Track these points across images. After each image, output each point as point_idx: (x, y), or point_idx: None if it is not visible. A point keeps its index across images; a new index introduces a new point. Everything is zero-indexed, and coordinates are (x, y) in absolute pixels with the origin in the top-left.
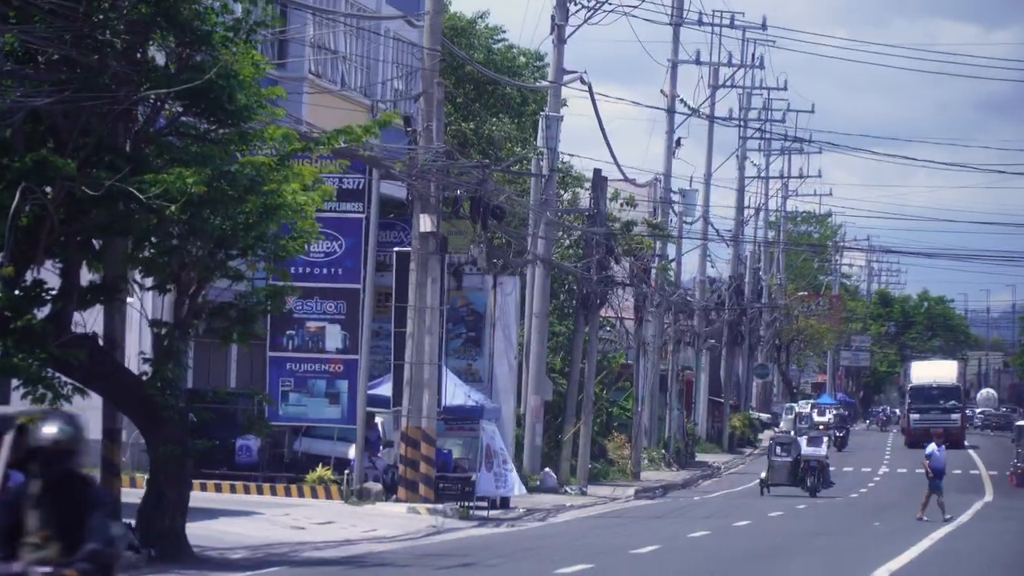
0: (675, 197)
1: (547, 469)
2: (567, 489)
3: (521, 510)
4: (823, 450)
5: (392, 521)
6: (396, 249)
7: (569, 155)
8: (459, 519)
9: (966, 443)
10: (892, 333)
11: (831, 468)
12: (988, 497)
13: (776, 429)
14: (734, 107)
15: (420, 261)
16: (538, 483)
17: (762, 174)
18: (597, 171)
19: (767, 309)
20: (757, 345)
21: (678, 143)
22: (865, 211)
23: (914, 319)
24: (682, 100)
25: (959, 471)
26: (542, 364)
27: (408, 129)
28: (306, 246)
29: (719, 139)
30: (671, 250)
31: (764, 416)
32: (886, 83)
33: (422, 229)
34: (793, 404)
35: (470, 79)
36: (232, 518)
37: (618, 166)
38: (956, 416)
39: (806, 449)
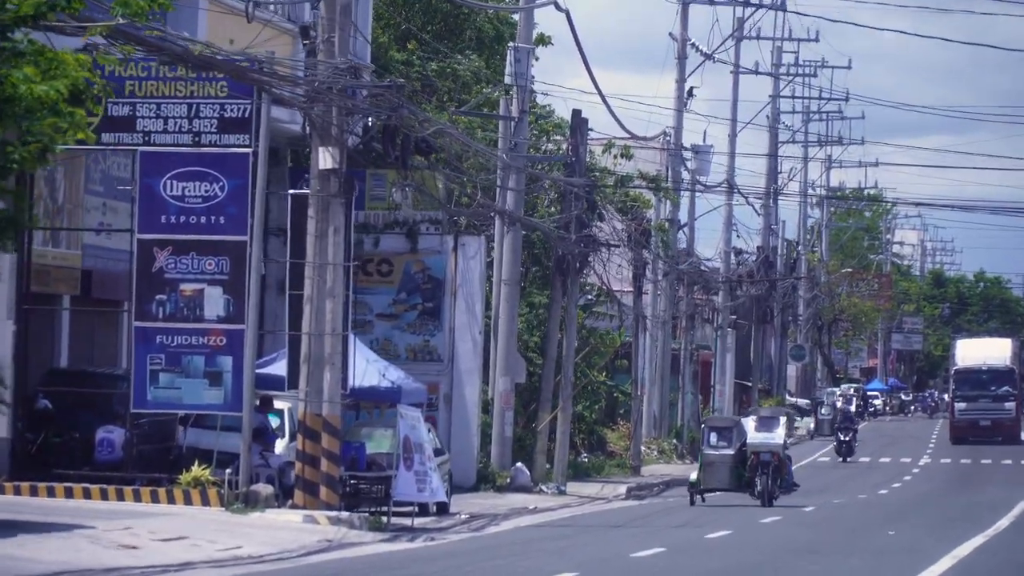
0: (687, 155)
1: (519, 464)
2: (542, 487)
3: (463, 516)
4: (777, 436)
5: (273, 535)
6: (291, 192)
7: (543, 93)
8: (369, 530)
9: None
10: (946, 315)
11: (792, 465)
12: None
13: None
14: (761, 61)
15: (320, 206)
16: (508, 481)
17: (796, 136)
18: (576, 111)
19: (806, 286)
20: (791, 324)
21: (690, 93)
22: (917, 192)
23: (969, 300)
24: (694, 45)
25: (1009, 462)
26: (513, 340)
27: (306, 42)
28: (52, 158)
29: (746, 101)
30: (684, 214)
31: (802, 402)
32: (945, 70)
33: (321, 166)
34: (835, 389)
35: (438, 13)
36: (37, 535)
37: (610, 110)
38: (1011, 405)
39: (753, 436)
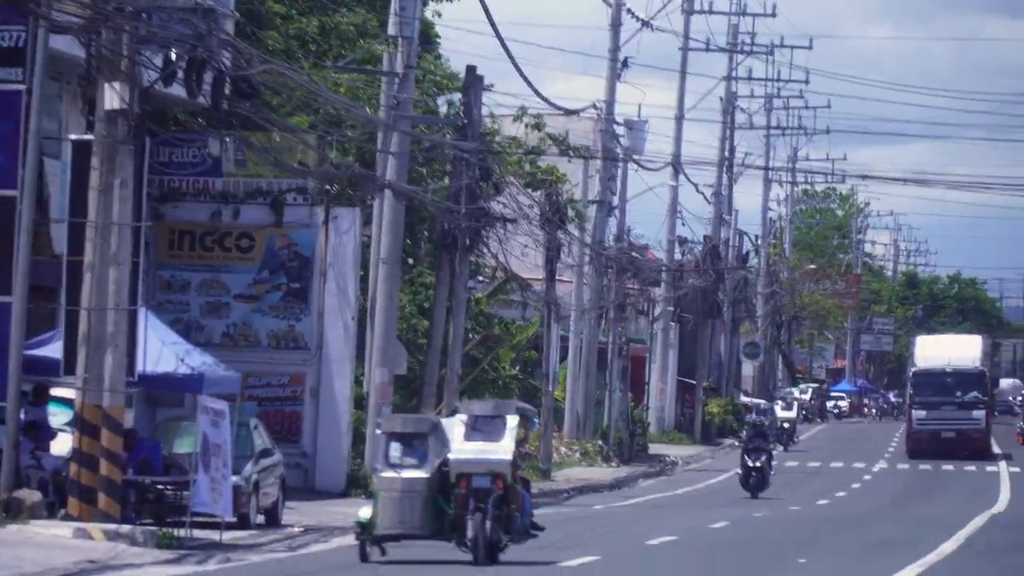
0: (620, 131)
1: None
2: None
3: (296, 529)
4: (501, 448)
5: (18, 554)
6: (72, 137)
7: (434, 54)
8: (156, 547)
9: (996, 450)
10: (920, 317)
11: None
12: (998, 507)
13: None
14: (713, 36)
15: (104, 154)
16: None
17: (755, 121)
18: (471, 68)
19: (764, 281)
20: (746, 320)
21: (624, 64)
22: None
23: (943, 302)
24: (630, 11)
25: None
26: (392, 327)
27: None
28: None
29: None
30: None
31: (759, 403)
32: (929, 76)
33: (108, 106)
34: (792, 389)
35: None
36: None
37: (520, 72)
38: (979, 414)
39: (461, 448)
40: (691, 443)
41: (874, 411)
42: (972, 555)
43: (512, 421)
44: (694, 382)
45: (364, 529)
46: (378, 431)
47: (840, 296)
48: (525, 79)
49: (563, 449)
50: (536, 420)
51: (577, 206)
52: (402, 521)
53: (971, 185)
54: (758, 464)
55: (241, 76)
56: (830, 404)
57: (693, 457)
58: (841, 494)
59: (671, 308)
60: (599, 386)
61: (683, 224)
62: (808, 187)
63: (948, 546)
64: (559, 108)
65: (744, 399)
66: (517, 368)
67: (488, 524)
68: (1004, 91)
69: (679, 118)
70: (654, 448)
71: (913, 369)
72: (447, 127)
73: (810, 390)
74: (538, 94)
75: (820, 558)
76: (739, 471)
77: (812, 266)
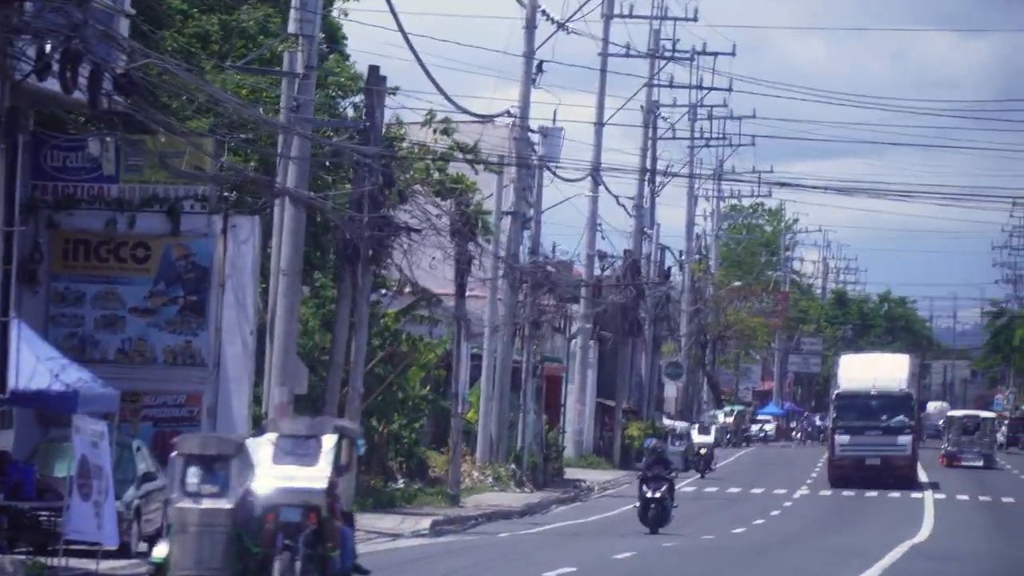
0: (535, 138)
1: None
2: None
3: None
4: (315, 475)
5: None
6: None
7: (340, 55)
8: None
9: (922, 479)
10: (849, 337)
11: None
12: (920, 537)
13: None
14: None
15: None
16: None
17: (677, 131)
18: (373, 68)
19: (688, 299)
20: (668, 339)
21: (539, 68)
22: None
23: (873, 322)
24: (545, 13)
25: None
26: (292, 342)
27: None
28: None
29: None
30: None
31: (681, 425)
32: (861, 89)
33: None
34: (717, 412)
35: None
36: None
37: (432, 81)
38: (906, 440)
39: (268, 474)
40: (610, 467)
41: (799, 435)
42: None
43: (328, 442)
44: (613, 404)
45: (159, 571)
46: (173, 453)
47: (767, 315)
48: (433, 82)
49: (475, 474)
50: (361, 442)
51: (485, 217)
52: (199, 561)
53: (891, 193)
54: (657, 495)
55: (122, 71)
56: (756, 427)
57: (611, 482)
58: (759, 522)
59: (589, 326)
60: (513, 407)
61: (603, 238)
62: (736, 202)
63: None
64: (471, 114)
65: (667, 422)
66: (427, 388)
67: (298, 565)
68: (937, 104)
69: (598, 125)
70: (571, 472)
71: (836, 391)
72: (350, 131)
73: (734, 412)
74: (449, 99)
75: None
76: (637, 503)
77: (738, 283)
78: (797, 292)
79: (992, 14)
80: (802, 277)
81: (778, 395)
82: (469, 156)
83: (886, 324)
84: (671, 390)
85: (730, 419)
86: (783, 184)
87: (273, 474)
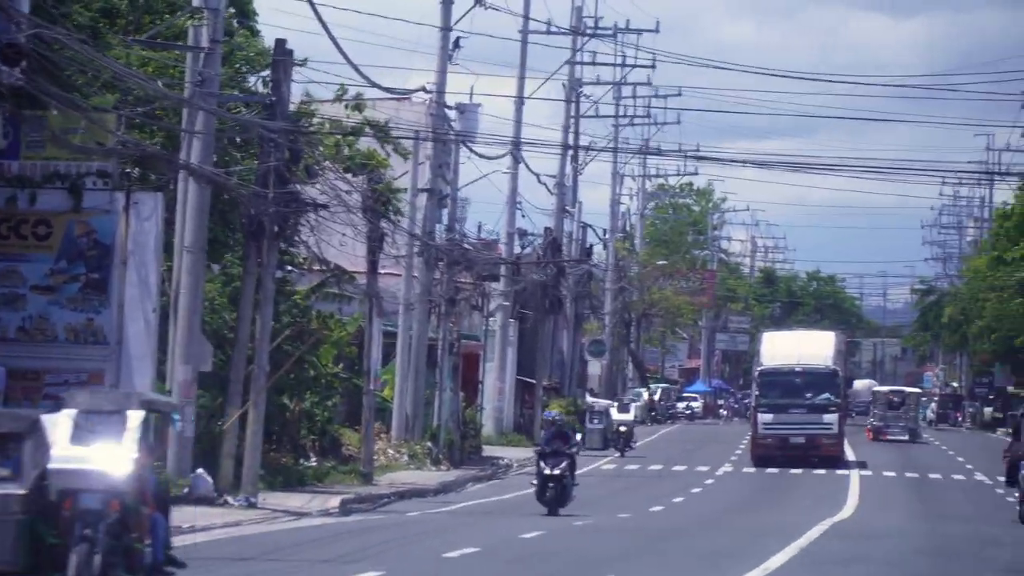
0: (452, 115)
1: (200, 471)
2: (228, 499)
3: None
4: (118, 457)
5: None
6: None
7: (245, 25)
8: None
9: (849, 458)
10: (777, 315)
11: None
12: (842, 515)
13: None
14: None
15: None
16: (186, 490)
17: (600, 109)
18: (280, 41)
19: (612, 277)
20: (591, 317)
21: (456, 44)
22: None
23: (801, 300)
24: None
25: (822, 472)
26: (196, 320)
27: None
28: None
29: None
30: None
31: (600, 403)
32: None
33: None
34: (642, 389)
35: None
36: None
37: (344, 55)
38: (832, 418)
39: (63, 454)
40: (530, 444)
41: (725, 412)
42: (801, 568)
43: (135, 419)
44: (534, 381)
45: None
46: None
47: (694, 293)
48: (344, 55)
49: (391, 452)
50: (177, 417)
51: (400, 194)
52: None
53: (810, 167)
54: (556, 472)
55: (8, 41)
56: (682, 405)
57: (530, 460)
58: (678, 500)
59: (507, 304)
60: (429, 385)
61: (523, 216)
62: (663, 182)
63: (778, 558)
64: (383, 89)
65: (590, 399)
66: (340, 366)
67: (98, 559)
68: (868, 84)
69: (518, 98)
70: (490, 450)
71: (759, 368)
72: (256, 106)
73: (659, 390)
74: (360, 73)
75: (633, 573)
76: (534, 481)
77: (663, 261)
78: (725, 271)
79: None
80: (730, 256)
81: (705, 373)
82: (380, 133)
83: (815, 302)
84: (595, 368)
85: (655, 396)
86: (700, 157)
87: (71, 455)
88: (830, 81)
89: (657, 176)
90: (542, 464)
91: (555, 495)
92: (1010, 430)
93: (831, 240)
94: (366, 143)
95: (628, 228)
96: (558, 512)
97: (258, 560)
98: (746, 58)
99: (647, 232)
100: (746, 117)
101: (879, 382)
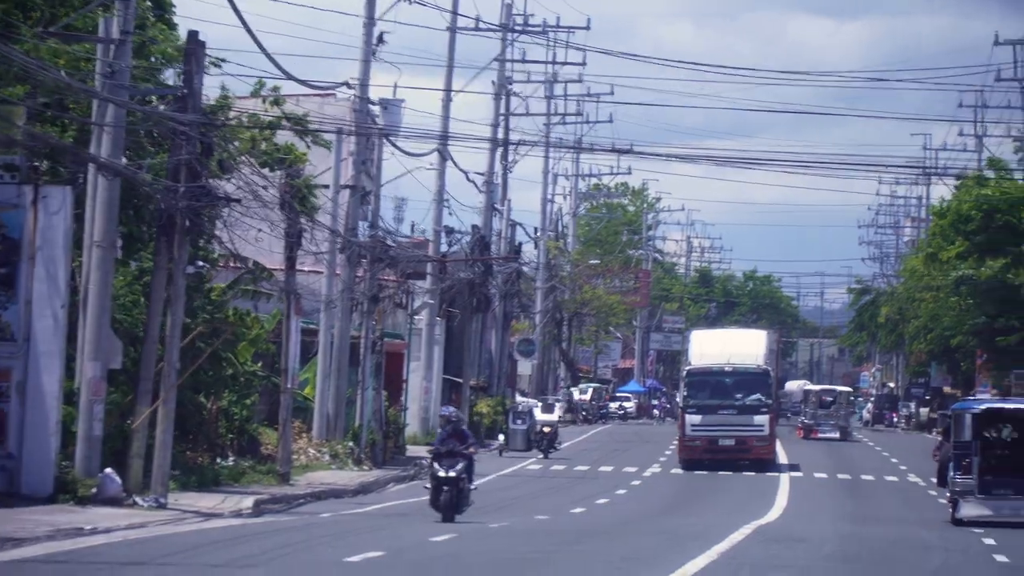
0: (376, 110)
1: (108, 471)
2: (137, 499)
3: None
4: None
5: None
6: None
7: (162, 18)
8: None
9: (781, 460)
10: (713, 315)
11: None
12: (769, 518)
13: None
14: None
15: None
16: (94, 490)
17: (531, 106)
18: (192, 33)
19: (543, 276)
20: (521, 316)
21: (380, 39)
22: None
23: (738, 300)
24: None
25: (752, 473)
26: (106, 317)
27: None
28: None
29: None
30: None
31: (524, 403)
32: (730, 73)
33: None
34: (573, 389)
35: None
36: None
37: (263, 50)
38: (763, 419)
39: None
40: None
41: (659, 412)
42: (718, 574)
43: None
44: (461, 381)
45: None
46: None
47: (628, 293)
48: (262, 49)
49: (312, 451)
50: None
51: (311, 190)
52: None
53: (738, 161)
54: (451, 474)
55: None
56: (615, 405)
57: None
58: (602, 501)
59: (432, 302)
60: (351, 384)
61: (451, 214)
62: (597, 181)
63: (696, 563)
64: (305, 84)
65: (519, 399)
66: (259, 364)
67: None
68: (806, 84)
69: (446, 90)
70: (415, 450)
71: (687, 368)
72: (168, 98)
73: (590, 390)
74: (279, 68)
75: None
76: (427, 485)
77: (595, 260)
78: (660, 271)
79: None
80: (665, 256)
81: (640, 373)
82: (297, 126)
83: (751, 302)
84: (526, 367)
85: (586, 396)
86: (626, 151)
87: None
88: (767, 81)
89: (591, 176)
90: (436, 466)
91: (450, 500)
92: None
93: (770, 241)
94: (286, 138)
95: (561, 227)
96: (454, 519)
97: (149, 565)
98: (687, 60)
99: (582, 232)
100: (683, 119)
101: (816, 383)
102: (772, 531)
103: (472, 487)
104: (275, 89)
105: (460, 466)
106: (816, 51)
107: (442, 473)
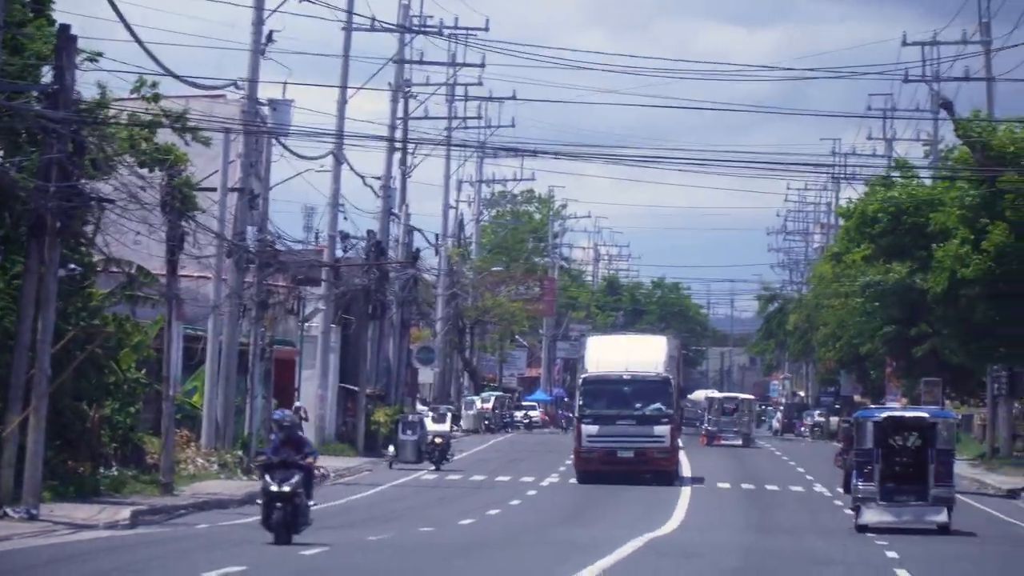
0: (265, 110)
1: None
2: (7, 511)
3: None
4: None
5: None
6: None
7: (41, 15)
8: None
9: (685, 472)
10: (621, 323)
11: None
12: (664, 530)
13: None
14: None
15: None
16: None
17: (429, 111)
18: (63, 27)
19: (444, 282)
20: (422, 323)
21: (269, 38)
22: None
23: (646, 308)
24: None
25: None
26: None
27: None
28: None
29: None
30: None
31: (414, 413)
32: (646, 85)
33: None
34: (475, 398)
35: None
36: None
37: (144, 48)
38: (663, 430)
39: None
40: (353, 454)
41: (564, 421)
42: None
43: None
44: (357, 389)
45: None
46: None
47: (533, 300)
48: (143, 46)
49: (200, 460)
50: None
51: (191, 190)
52: None
53: (632, 159)
54: (285, 488)
55: None
56: (520, 414)
57: (350, 469)
58: (493, 512)
59: (323, 308)
60: (240, 392)
61: (345, 218)
62: (502, 188)
63: None
64: (189, 83)
65: (420, 407)
66: (144, 371)
67: None
68: (717, 96)
69: (342, 99)
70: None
71: (583, 376)
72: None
73: (492, 398)
74: (160, 64)
75: None
76: (259, 500)
77: (498, 268)
78: (567, 278)
79: (775, 9)
80: (572, 263)
81: (547, 382)
82: (176, 124)
83: (659, 310)
84: (427, 376)
85: (488, 405)
86: (525, 151)
87: None
88: (669, 77)
89: (495, 181)
90: (267, 479)
91: (283, 519)
92: (839, 438)
93: (680, 248)
94: (170, 139)
95: (465, 235)
96: (291, 540)
97: None
98: (598, 69)
99: (488, 239)
100: (593, 127)
101: (728, 392)
102: (665, 544)
103: (311, 503)
104: (154, 85)
105: (296, 479)
106: (730, 58)
107: (274, 488)
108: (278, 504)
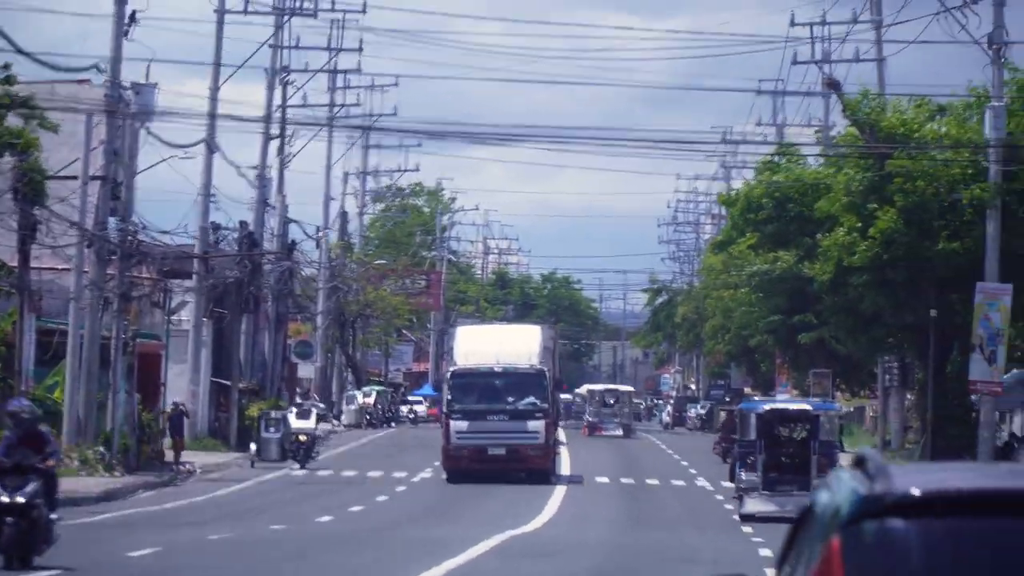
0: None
1: None
2: None
3: None
4: None
5: None
6: None
7: None
8: None
9: (563, 472)
10: (511, 317)
11: None
12: (529, 527)
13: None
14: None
15: None
16: None
17: (310, 98)
18: None
19: (324, 275)
20: (298, 316)
21: (132, 18)
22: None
23: (536, 302)
24: None
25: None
26: None
27: None
28: None
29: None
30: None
31: (273, 412)
32: (540, 73)
33: None
34: (356, 392)
35: None
36: None
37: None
38: (537, 425)
39: None
40: (226, 449)
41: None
42: None
43: None
44: (229, 383)
45: None
46: None
47: (420, 294)
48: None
49: (63, 457)
50: None
51: (41, 175)
52: None
53: (511, 137)
54: (19, 499)
55: None
56: (406, 409)
57: (220, 465)
58: (356, 509)
59: (188, 301)
60: (103, 387)
61: (218, 209)
62: (389, 180)
63: None
64: (50, 66)
65: (299, 401)
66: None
67: None
68: (617, 89)
69: (214, 85)
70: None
71: (452, 369)
72: None
73: (374, 393)
74: (12, 43)
75: None
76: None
77: (381, 261)
78: (455, 272)
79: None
80: (460, 257)
81: (434, 376)
82: (25, 109)
83: (550, 304)
84: (308, 370)
85: (370, 400)
86: (396, 131)
87: None
88: (549, 56)
89: (379, 172)
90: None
91: (16, 537)
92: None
93: (571, 242)
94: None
95: (349, 228)
96: (30, 563)
97: None
98: (495, 61)
99: (375, 232)
100: (486, 119)
101: (620, 385)
102: (525, 542)
103: (54, 516)
104: (7, 67)
105: (32, 488)
106: (626, 50)
107: (5, 499)
108: (8, 519)
